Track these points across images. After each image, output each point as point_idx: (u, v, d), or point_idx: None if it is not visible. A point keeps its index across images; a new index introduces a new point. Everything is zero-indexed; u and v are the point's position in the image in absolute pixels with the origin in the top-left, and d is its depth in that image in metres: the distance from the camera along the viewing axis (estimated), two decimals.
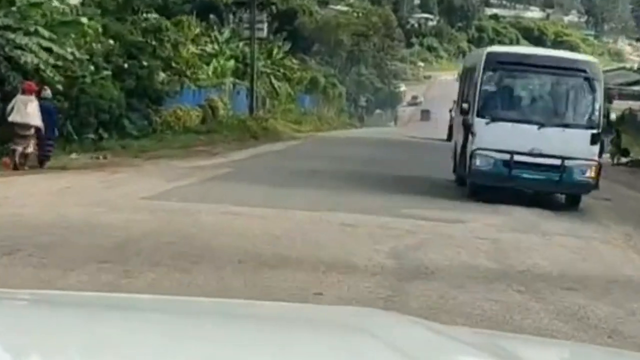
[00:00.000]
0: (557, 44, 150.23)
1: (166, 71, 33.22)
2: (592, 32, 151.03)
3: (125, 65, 29.14)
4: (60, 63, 24.80)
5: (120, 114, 28.59)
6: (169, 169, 20.05)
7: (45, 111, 20.61)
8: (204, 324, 2.14)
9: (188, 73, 34.90)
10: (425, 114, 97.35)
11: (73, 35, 26.57)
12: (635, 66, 63.96)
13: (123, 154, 24.99)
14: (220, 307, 2.55)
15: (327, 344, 2.03)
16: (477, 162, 17.16)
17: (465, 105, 17.55)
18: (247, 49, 45.44)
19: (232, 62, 45.50)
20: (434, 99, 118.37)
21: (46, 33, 23.69)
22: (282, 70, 53.79)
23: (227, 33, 47.47)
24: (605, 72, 23.00)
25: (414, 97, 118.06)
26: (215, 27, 47.08)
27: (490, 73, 17.25)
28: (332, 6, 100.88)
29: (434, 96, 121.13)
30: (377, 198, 16.04)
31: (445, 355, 2.07)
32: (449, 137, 38.85)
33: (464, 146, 17.91)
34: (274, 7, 55.42)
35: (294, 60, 59.21)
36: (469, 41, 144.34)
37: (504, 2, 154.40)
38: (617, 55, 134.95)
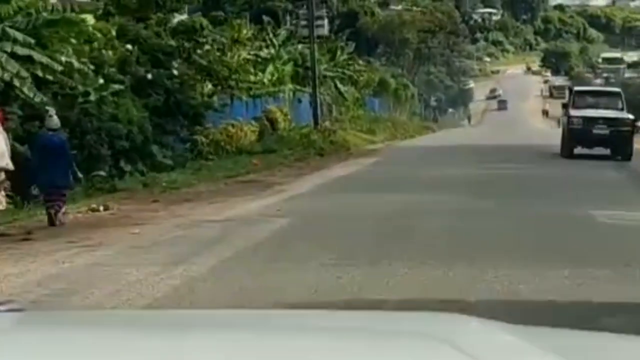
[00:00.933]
0: (627, 30, 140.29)
1: (207, 80, 25.72)
2: None
3: (149, 76, 21.55)
4: (50, 77, 17.40)
5: (146, 139, 21.04)
6: (187, 229, 12.27)
7: (55, 147, 13.40)
8: (276, 335, 2.01)
9: (231, 82, 27.06)
10: (503, 104, 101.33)
11: (74, 41, 19.09)
12: None
13: (140, 196, 17.36)
14: (285, 319, 2.47)
15: (403, 352, 1.85)
16: None
17: None
18: (306, 51, 37.71)
19: (290, 66, 37.85)
20: (506, 92, 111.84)
21: (19, 36, 16.18)
22: (347, 72, 46.04)
23: (283, 34, 39.64)
24: None
25: (492, 91, 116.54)
26: (269, 29, 39.26)
27: None
28: (392, 7, 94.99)
29: (505, 89, 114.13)
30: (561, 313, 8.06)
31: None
32: (564, 148, 28.49)
33: None
34: (333, 2, 47.75)
35: (360, 62, 51.47)
36: (535, 33, 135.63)
37: None
38: None
